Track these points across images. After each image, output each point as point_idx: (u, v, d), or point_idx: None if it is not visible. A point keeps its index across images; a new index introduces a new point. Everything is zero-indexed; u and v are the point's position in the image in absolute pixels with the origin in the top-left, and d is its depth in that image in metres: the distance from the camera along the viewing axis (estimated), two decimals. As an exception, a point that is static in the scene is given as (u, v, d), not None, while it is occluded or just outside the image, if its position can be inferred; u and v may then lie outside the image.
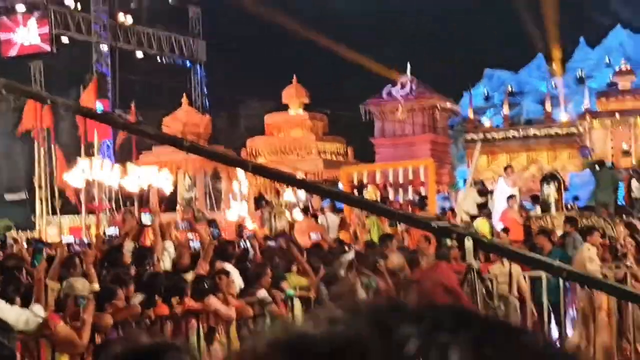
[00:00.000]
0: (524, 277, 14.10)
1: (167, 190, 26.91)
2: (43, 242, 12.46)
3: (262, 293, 10.89)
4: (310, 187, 9.39)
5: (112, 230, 13.65)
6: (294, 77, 34.84)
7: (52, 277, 9.16)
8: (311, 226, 22.20)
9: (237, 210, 26.66)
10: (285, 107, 35.06)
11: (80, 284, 8.87)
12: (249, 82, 38.69)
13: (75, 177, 24.29)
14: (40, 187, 41.28)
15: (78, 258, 10.02)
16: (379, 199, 23.61)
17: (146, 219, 12.39)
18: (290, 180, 9.15)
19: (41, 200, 41.11)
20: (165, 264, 11.58)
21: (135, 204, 24.24)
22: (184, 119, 32.59)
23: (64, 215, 35.46)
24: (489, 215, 21.19)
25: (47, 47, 36.43)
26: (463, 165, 38.98)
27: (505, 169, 23.52)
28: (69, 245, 9.77)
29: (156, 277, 9.89)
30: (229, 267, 11.26)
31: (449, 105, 39.03)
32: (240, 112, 41.13)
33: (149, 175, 25.14)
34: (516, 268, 13.31)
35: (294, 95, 34.42)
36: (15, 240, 13.04)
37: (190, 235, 13.76)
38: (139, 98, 38.03)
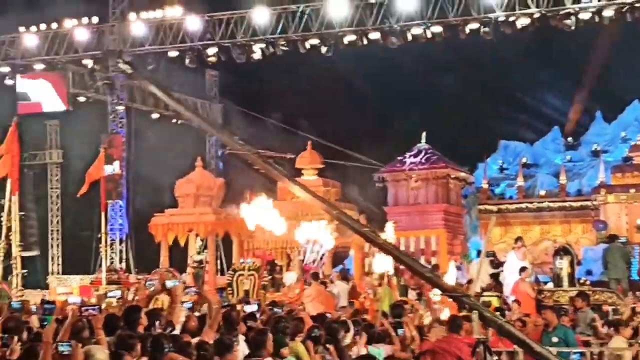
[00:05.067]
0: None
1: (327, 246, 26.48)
2: (53, 302, 12.30)
3: (268, 361, 10.67)
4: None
5: (116, 292, 13.57)
6: (309, 143, 34.83)
7: (62, 340, 8.99)
8: (321, 293, 22.02)
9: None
10: (299, 172, 35.00)
11: (100, 355, 8.75)
12: (264, 146, 38.71)
13: (301, 235, 24.21)
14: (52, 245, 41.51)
15: (87, 321, 9.80)
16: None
17: (170, 283, 12.34)
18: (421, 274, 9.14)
19: (53, 258, 41.26)
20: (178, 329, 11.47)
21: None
22: (198, 182, 32.55)
23: (75, 276, 35.52)
24: (495, 287, 21.08)
25: (64, 107, 36.54)
26: (476, 236, 38.79)
27: (516, 241, 23.37)
28: (80, 307, 9.56)
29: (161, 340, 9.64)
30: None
31: (462, 175, 38.91)
32: (254, 175, 41.07)
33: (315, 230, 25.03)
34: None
35: (307, 162, 34.35)
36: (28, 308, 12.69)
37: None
38: (153, 159, 38.10)
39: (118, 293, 13.60)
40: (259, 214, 23.12)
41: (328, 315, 13.61)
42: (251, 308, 12.85)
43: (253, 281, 23.38)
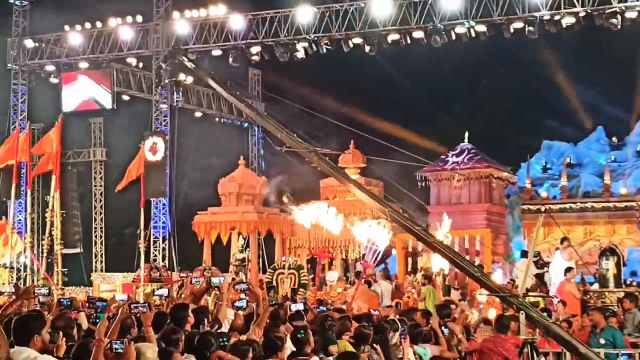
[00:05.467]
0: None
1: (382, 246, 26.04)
2: (105, 300, 12.33)
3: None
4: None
5: (163, 290, 13.56)
6: (352, 142, 34.76)
7: (111, 337, 9.00)
8: (364, 292, 21.98)
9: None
10: (341, 171, 34.92)
11: (150, 353, 8.76)
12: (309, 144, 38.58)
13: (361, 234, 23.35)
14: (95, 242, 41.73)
15: (136, 319, 9.79)
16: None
17: (217, 280, 12.32)
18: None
19: (96, 255, 41.48)
20: (225, 328, 11.45)
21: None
22: (240, 180, 32.72)
23: (118, 273, 35.70)
24: (540, 288, 20.94)
25: (108, 105, 36.76)
26: (519, 236, 38.55)
27: (562, 241, 23.18)
28: (130, 305, 9.55)
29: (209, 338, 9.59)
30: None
31: (505, 174, 38.74)
32: (297, 174, 41.22)
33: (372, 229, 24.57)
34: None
35: (350, 160, 34.31)
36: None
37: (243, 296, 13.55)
38: (197, 157, 38.25)
39: (165, 291, 13.59)
40: (316, 212, 22.97)
41: (375, 313, 13.51)
42: (297, 307, 12.80)
43: (293, 280, 23.34)
